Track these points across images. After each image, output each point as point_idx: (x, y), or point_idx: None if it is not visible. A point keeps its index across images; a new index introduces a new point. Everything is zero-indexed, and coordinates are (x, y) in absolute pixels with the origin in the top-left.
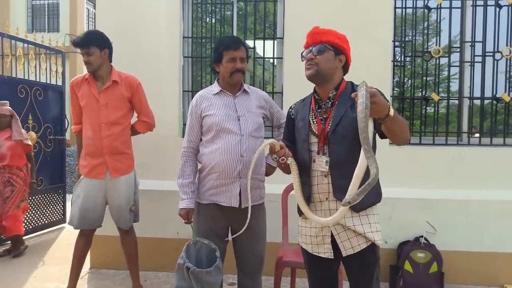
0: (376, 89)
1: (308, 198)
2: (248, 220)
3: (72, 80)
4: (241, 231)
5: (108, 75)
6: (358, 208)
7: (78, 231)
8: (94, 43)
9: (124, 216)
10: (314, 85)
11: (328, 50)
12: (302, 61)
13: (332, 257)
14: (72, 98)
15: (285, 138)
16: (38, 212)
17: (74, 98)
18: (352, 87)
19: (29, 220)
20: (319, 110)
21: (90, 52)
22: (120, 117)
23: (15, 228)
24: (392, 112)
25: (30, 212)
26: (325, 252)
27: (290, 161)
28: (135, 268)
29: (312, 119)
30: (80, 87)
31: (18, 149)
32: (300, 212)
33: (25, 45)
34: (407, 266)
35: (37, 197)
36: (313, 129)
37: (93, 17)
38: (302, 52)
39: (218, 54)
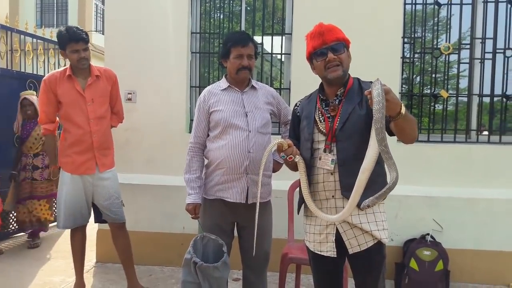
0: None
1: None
2: (256, 218)
3: (48, 77)
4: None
5: (88, 70)
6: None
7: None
8: (89, 39)
9: (119, 209)
10: (320, 81)
11: (344, 47)
12: (318, 62)
13: (335, 256)
14: (46, 95)
15: (291, 135)
16: None
17: (50, 95)
18: (359, 83)
19: None
20: (326, 108)
21: (88, 48)
22: (105, 111)
23: None
24: (403, 110)
25: None
26: (328, 250)
27: (298, 159)
28: (131, 265)
29: (319, 117)
30: (60, 85)
31: None
32: (299, 210)
33: (34, 40)
34: (413, 264)
35: None
36: (320, 127)
37: (102, 12)
38: (316, 51)
39: (226, 50)
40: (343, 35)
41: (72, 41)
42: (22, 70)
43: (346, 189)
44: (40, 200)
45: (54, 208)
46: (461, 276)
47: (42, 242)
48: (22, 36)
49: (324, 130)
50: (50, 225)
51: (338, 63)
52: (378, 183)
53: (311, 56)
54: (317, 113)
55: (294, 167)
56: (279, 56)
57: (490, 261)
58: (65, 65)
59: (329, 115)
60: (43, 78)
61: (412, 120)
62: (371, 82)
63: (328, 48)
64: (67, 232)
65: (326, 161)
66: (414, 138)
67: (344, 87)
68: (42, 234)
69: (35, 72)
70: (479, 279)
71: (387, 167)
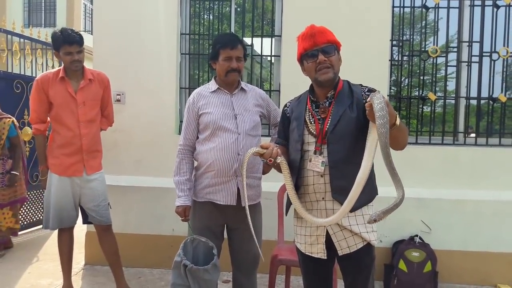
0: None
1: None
2: (250, 221)
3: (41, 77)
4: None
5: (82, 73)
6: (352, 207)
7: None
8: (83, 42)
9: (105, 211)
10: (308, 83)
11: (335, 50)
12: (309, 63)
13: (325, 258)
14: (38, 95)
15: (280, 136)
16: (33, 208)
17: (42, 96)
18: (349, 86)
19: (23, 216)
20: (317, 110)
21: (82, 50)
22: (96, 114)
23: None
24: (398, 121)
25: (25, 208)
26: (318, 252)
27: (280, 160)
28: (119, 267)
29: (309, 119)
30: (52, 86)
31: None
32: (287, 211)
33: (21, 40)
34: (402, 265)
35: (32, 192)
36: (311, 129)
37: (90, 12)
38: (307, 53)
39: (215, 52)
40: (334, 38)
41: (66, 43)
42: (9, 70)
43: (336, 192)
44: (3, 208)
45: (24, 214)
46: (449, 277)
47: (29, 244)
48: (9, 36)
49: (314, 132)
50: (38, 227)
51: (328, 65)
52: (367, 184)
53: (302, 58)
54: (307, 114)
55: (279, 168)
56: (269, 58)
57: (478, 262)
58: (53, 66)
59: (319, 117)
60: (36, 78)
61: (404, 130)
62: (360, 85)
63: (319, 50)
64: (55, 234)
65: (317, 163)
66: (404, 146)
67: (334, 89)
68: (28, 236)
69: (22, 73)
70: (467, 279)
71: (394, 184)
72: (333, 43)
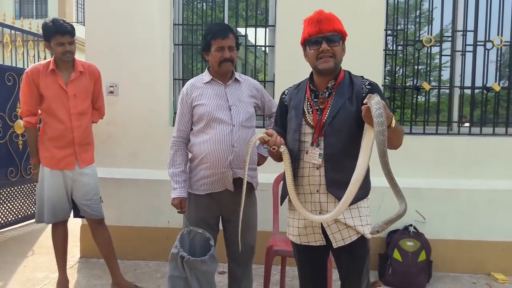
0: (376, 86)
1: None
2: (241, 214)
3: (31, 69)
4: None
5: (72, 65)
6: None
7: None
8: (75, 33)
9: (97, 205)
10: (302, 73)
11: (340, 40)
12: (311, 50)
13: (325, 243)
14: (28, 87)
15: (277, 124)
16: (28, 202)
17: (33, 88)
18: (350, 77)
19: (18, 210)
20: (315, 100)
21: (74, 41)
22: (87, 107)
23: None
24: (394, 123)
25: (19, 202)
26: (317, 240)
27: (283, 149)
28: (114, 259)
29: (307, 109)
30: (42, 78)
31: None
32: (282, 201)
33: (12, 31)
34: (396, 255)
35: (25, 186)
36: (308, 119)
37: (82, 3)
38: (310, 39)
39: (206, 43)
40: (341, 27)
41: (58, 33)
42: (0, 62)
43: (330, 185)
44: None
45: (18, 208)
46: (443, 266)
47: (24, 238)
48: (0, 28)
49: (312, 123)
50: (32, 220)
51: (331, 54)
52: (363, 181)
53: (305, 43)
54: (306, 104)
55: (278, 157)
56: (263, 48)
57: (471, 251)
58: (45, 58)
59: (317, 107)
60: (26, 70)
61: (400, 131)
62: (361, 77)
63: (323, 38)
64: (50, 227)
65: (314, 155)
66: (398, 146)
67: (335, 80)
68: (23, 230)
69: (13, 65)
70: (461, 268)
71: (395, 195)
72: (339, 32)
